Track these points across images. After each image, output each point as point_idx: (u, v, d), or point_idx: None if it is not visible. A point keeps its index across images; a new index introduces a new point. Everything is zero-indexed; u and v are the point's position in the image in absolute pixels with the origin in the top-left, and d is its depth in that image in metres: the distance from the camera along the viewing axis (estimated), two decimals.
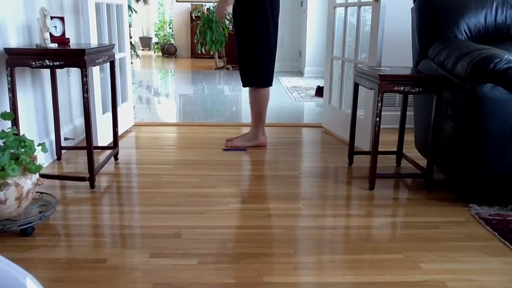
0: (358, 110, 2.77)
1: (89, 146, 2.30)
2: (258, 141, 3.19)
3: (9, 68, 2.17)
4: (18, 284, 0.70)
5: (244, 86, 3.13)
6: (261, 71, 3.04)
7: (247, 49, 3.00)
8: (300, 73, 7.53)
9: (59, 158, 2.80)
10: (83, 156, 2.87)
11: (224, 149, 3.10)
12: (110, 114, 2.98)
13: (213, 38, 7.57)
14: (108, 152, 2.84)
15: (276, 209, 2.17)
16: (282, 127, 3.79)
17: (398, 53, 3.49)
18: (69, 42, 2.56)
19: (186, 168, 2.72)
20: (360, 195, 2.35)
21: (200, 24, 7.74)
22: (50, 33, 2.40)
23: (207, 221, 2.01)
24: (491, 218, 2.06)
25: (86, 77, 2.21)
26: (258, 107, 3.14)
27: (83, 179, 2.36)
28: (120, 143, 3.12)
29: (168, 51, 10.17)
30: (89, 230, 1.92)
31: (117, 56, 3.25)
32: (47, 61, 2.19)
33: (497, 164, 2.09)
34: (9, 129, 1.88)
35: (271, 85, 3.13)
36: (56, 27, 2.48)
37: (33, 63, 2.19)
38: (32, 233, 1.85)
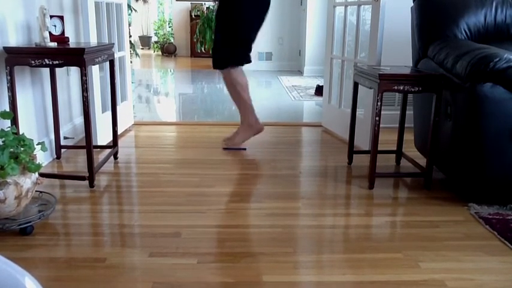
0: (357, 109, 2.77)
1: (88, 145, 2.30)
2: (253, 129, 3.09)
3: (8, 67, 2.16)
4: (17, 283, 0.70)
5: (215, 67, 2.96)
6: (237, 50, 2.90)
7: (228, 26, 2.88)
8: (299, 72, 7.53)
9: (58, 157, 2.80)
10: (82, 155, 2.87)
11: (224, 148, 3.09)
12: (109, 113, 2.98)
13: (213, 37, 7.56)
14: (108, 151, 2.84)
15: (275, 208, 2.17)
16: (282, 126, 3.79)
17: (398, 52, 3.48)
18: (68, 41, 2.56)
19: (186, 167, 2.72)
20: (359, 195, 2.35)
21: (200, 23, 7.73)
22: (50, 32, 2.39)
23: (207, 220, 2.01)
24: (490, 217, 2.06)
25: (86, 76, 2.21)
26: (235, 92, 2.97)
27: (82, 178, 2.36)
28: (120, 142, 3.12)
29: (167, 50, 10.16)
30: (88, 229, 1.92)
31: (117, 55, 3.25)
32: (46, 60, 2.19)
33: (496, 163, 2.09)
34: (9, 128, 1.88)
35: (242, 64, 2.95)
36: (55, 26, 2.48)
37: (33, 62, 2.19)
38: (32, 232, 1.85)
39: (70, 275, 1.57)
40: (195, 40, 8.03)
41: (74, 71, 3.19)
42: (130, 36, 6.32)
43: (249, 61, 2.99)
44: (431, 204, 2.24)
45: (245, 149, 3.11)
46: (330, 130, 3.63)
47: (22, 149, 1.85)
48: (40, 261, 1.66)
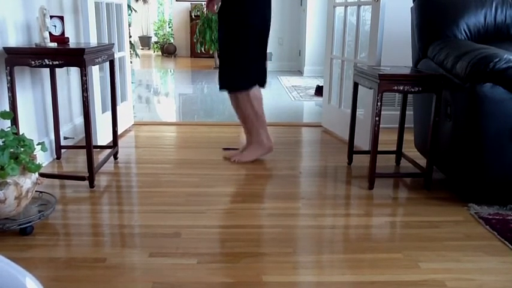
0: (357, 110, 2.77)
1: (88, 145, 2.30)
2: (264, 148, 2.85)
3: (8, 67, 2.16)
4: (18, 283, 0.70)
5: (222, 88, 2.77)
6: (251, 71, 2.73)
7: (237, 45, 2.67)
8: (299, 72, 7.53)
9: (58, 157, 2.79)
10: (82, 155, 2.87)
11: (224, 148, 3.09)
12: (109, 113, 2.98)
13: (213, 37, 7.56)
14: (108, 151, 2.84)
15: (275, 208, 2.17)
16: (282, 126, 3.79)
17: (398, 52, 3.48)
18: (68, 41, 2.56)
19: (186, 167, 2.72)
20: (359, 195, 2.35)
21: (200, 24, 7.73)
22: (50, 33, 2.39)
23: (207, 221, 2.01)
24: (490, 217, 2.06)
25: (86, 76, 2.21)
26: (252, 109, 2.73)
27: (82, 178, 2.36)
28: (120, 142, 3.12)
29: (167, 51, 10.16)
30: (88, 229, 1.92)
31: (117, 55, 3.25)
32: (46, 60, 2.19)
33: (496, 163, 2.09)
34: (9, 129, 1.88)
35: (254, 85, 2.75)
36: (55, 26, 2.48)
37: (33, 62, 2.19)
38: (32, 232, 1.85)
39: (70, 275, 1.57)
40: (195, 40, 8.03)
41: (74, 71, 3.19)
42: (130, 36, 6.32)
43: (263, 82, 2.80)
44: (431, 204, 2.24)
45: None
46: (329, 130, 3.63)
47: (22, 149, 1.85)
48: (40, 261, 1.66)
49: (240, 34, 2.67)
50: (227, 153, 2.97)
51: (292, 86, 6.09)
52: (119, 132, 3.19)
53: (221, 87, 2.80)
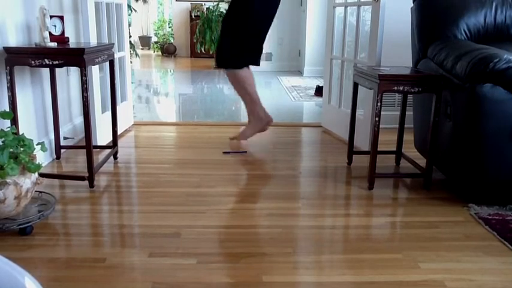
0: (357, 110, 2.77)
1: (88, 145, 2.30)
2: (263, 122, 3.08)
3: (8, 67, 2.16)
4: (17, 283, 0.70)
5: (219, 66, 2.96)
6: (246, 51, 2.92)
7: (236, 25, 2.87)
8: (299, 72, 7.53)
9: (58, 157, 2.79)
10: (82, 155, 2.87)
11: (224, 152, 3.07)
12: (109, 113, 2.98)
13: (213, 38, 7.57)
14: (108, 151, 2.84)
15: (275, 208, 2.17)
16: (282, 127, 3.79)
17: (398, 52, 3.48)
18: (68, 41, 2.56)
19: (186, 167, 2.72)
20: (359, 195, 2.35)
21: (200, 24, 7.74)
22: (50, 32, 2.39)
23: (206, 221, 2.01)
24: (490, 217, 2.06)
25: (85, 76, 2.21)
26: (243, 89, 2.96)
27: (82, 178, 2.36)
28: (120, 142, 3.12)
29: (167, 51, 10.16)
30: (88, 230, 1.92)
31: (117, 55, 3.25)
32: (46, 60, 2.19)
33: (496, 163, 2.09)
34: (9, 128, 1.88)
35: (247, 66, 2.95)
36: (55, 26, 2.48)
37: (33, 62, 2.19)
38: (31, 232, 1.85)
39: (69, 275, 1.57)
40: (195, 40, 8.03)
41: (74, 71, 3.19)
42: (130, 36, 6.32)
43: (256, 63, 2.98)
44: (431, 204, 2.24)
45: (245, 151, 3.09)
46: (329, 130, 3.63)
47: (22, 149, 1.85)
48: (40, 261, 1.66)
49: (240, 18, 2.86)
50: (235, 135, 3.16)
51: (292, 86, 6.09)
52: (119, 132, 3.18)
53: (216, 62, 3.01)
